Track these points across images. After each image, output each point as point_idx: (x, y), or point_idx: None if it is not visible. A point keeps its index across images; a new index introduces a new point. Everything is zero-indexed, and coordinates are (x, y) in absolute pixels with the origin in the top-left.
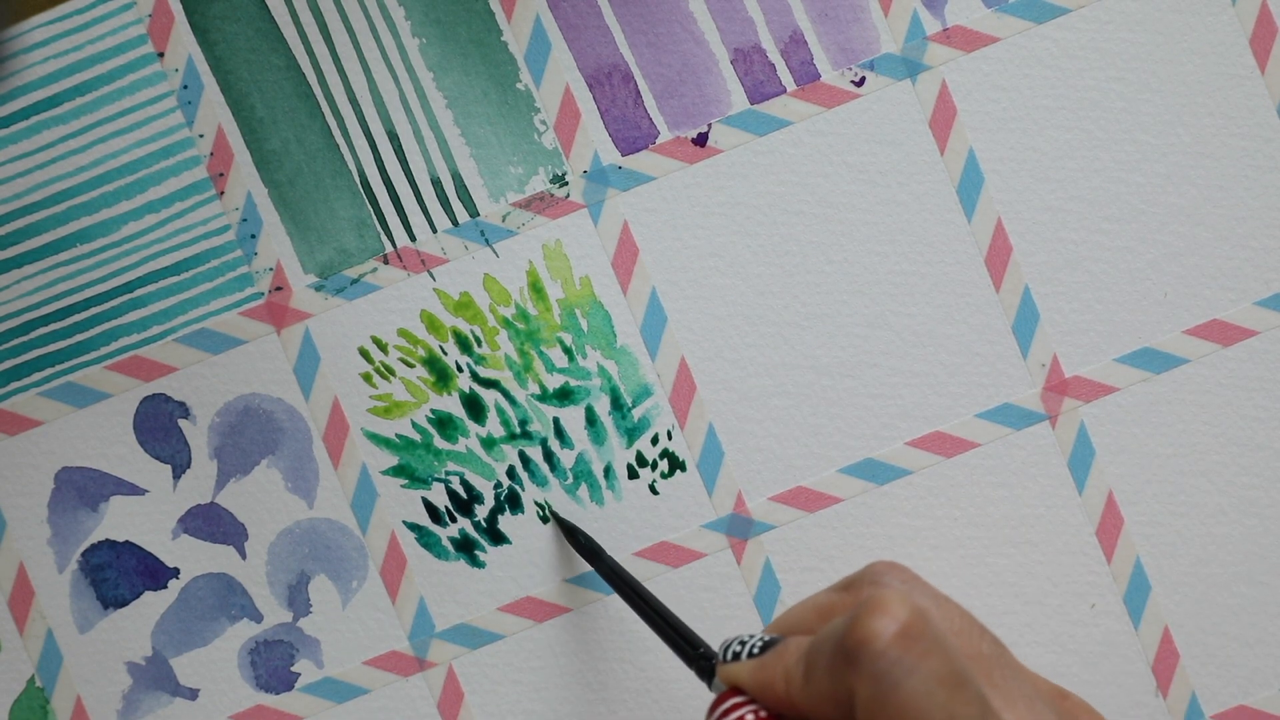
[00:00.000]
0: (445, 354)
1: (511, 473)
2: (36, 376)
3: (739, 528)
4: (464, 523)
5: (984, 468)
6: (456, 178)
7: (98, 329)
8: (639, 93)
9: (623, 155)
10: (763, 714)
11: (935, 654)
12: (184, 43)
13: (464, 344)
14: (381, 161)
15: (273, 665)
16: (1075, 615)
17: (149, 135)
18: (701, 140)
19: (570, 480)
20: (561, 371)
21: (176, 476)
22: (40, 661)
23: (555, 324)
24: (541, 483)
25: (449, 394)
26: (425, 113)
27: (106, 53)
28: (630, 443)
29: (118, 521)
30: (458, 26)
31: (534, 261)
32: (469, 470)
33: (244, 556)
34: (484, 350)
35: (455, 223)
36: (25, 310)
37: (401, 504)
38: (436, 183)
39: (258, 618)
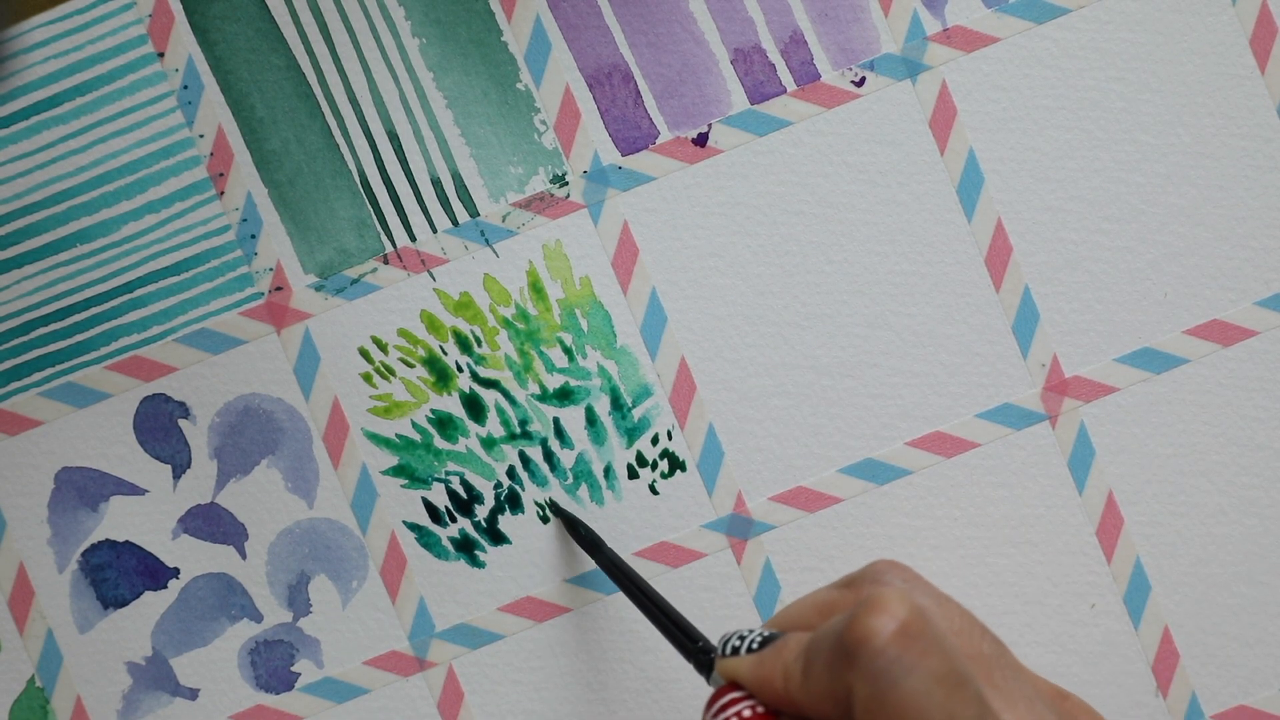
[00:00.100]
0: (445, 354)
1: (511, 473)
2: (36, 376)
3: (739, 528)
4: (464, 523)
5: (984, 468)
6: (456, 178)
7: (98, 329)
8: (639, 93)
9: (623, 155)
10: (760, 709)
11: (934, 653)
12: (184, 43)
13: (464, 344)
14: (381, 161)
15: (273, 665)
16: (1075, 615)
17: (149, 135)
18: (701, 140)
19: (570, 480)
20: (561, 371)
21: (176, 476)
22: (40, 661)
23: (555, 324)
24: (541, 483)
25: (449, 394)
26: (425, 113)
27: (106, 53)
28: (630, 443)
29: (118, 521)
30: (458, 26)
31: (534, 261)
32: (469, 470)
33: (244, 556)
34: (484, 350)
35: (455, 223)
36: (25, 310)
37: (401, 504)
38: (436, 183)
39: (258, 618)
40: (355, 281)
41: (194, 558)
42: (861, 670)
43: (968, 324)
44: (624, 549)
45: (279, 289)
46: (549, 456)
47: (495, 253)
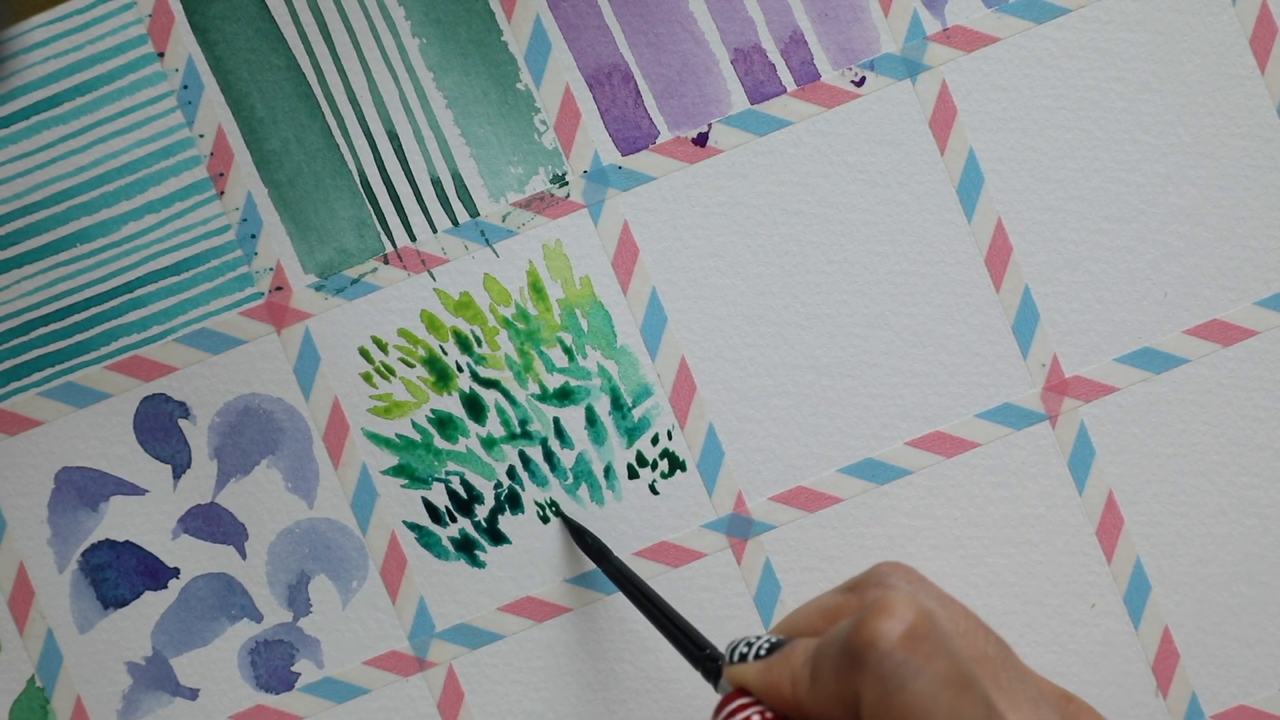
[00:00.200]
0: (445, 354)
1: (512, 473)
2: (36, 376)
3: (739, 528)
4: (464, 523)
5: (984, 468)
6: (456, 178)
7: (98, 329)
8: (639, 93)
9: (623, 155)
10: (769, 715)
11: (941, 656)
12: (184, 43)
13: (464, 344)
14: (381, 161)
15: (273, 665)
16: (1075, 615)
17: (149, 135)
18: (701, 140)
19: (570, 480)
20: (561, 371)
21: (176, 476)
22: (40, 661)
23: (555, 324)
24: (542, 483)
25: (449, 394)
26: (425, 113)
27: (106, 53)
28: (630, 443)
29: (118, 521)
30: (458, 26)
31: (534, 261)
32: (469, 470)
33: (244, 556)
34: (484, 350)
35: (455, 223)
36: (25, 310)
37: (401, 504)
38: (436, 183)
39: (258, 618)
40: (355, 281)
41: (194, 558)
42: (869, 674)
43: (968, 324)
44: (624, 549)
45: (279, 289)
46: (549, 456)
47: (495, 253)
